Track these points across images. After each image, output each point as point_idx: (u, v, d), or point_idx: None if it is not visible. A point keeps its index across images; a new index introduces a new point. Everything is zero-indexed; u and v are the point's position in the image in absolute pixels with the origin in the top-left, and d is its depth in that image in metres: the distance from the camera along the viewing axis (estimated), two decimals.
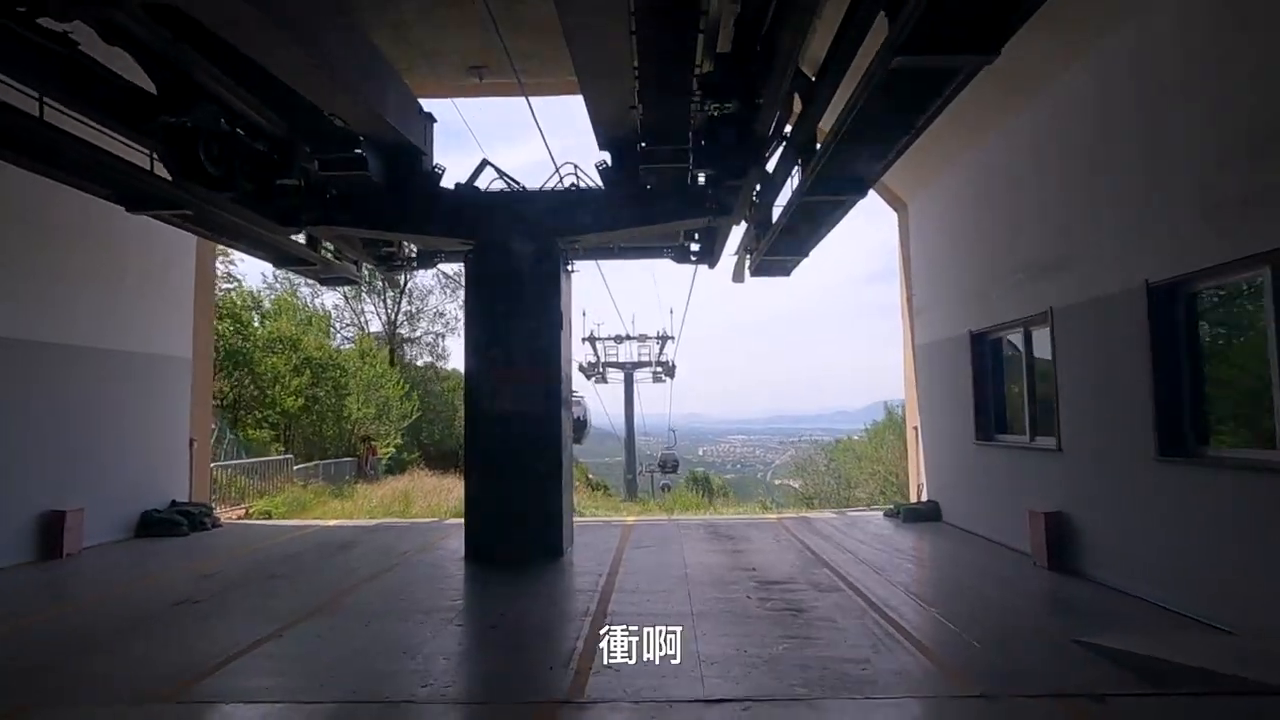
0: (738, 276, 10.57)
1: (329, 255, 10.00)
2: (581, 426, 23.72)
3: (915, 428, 10.96)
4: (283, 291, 24.70)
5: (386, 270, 11.18)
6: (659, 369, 33.25)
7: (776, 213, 7.99)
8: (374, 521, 11.27)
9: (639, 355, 33.48)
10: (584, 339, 32.85)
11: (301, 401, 17.75)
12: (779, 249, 8.68)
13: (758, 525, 10.24)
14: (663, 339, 32.77)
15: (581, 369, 32.62)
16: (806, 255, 9.11)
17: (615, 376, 34.11)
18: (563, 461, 8.14)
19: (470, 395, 8.30)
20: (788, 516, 11.24)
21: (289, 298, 23.96)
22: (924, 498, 10.59)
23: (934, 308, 10.23)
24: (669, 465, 32.99)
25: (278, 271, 24.86)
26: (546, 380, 8.10)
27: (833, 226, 7.98)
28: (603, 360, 33.36)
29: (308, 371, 17.89)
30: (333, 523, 11.10)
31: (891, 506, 10.74)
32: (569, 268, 9.10)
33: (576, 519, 11.20)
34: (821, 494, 32.11)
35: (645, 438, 45.06)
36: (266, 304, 22.04)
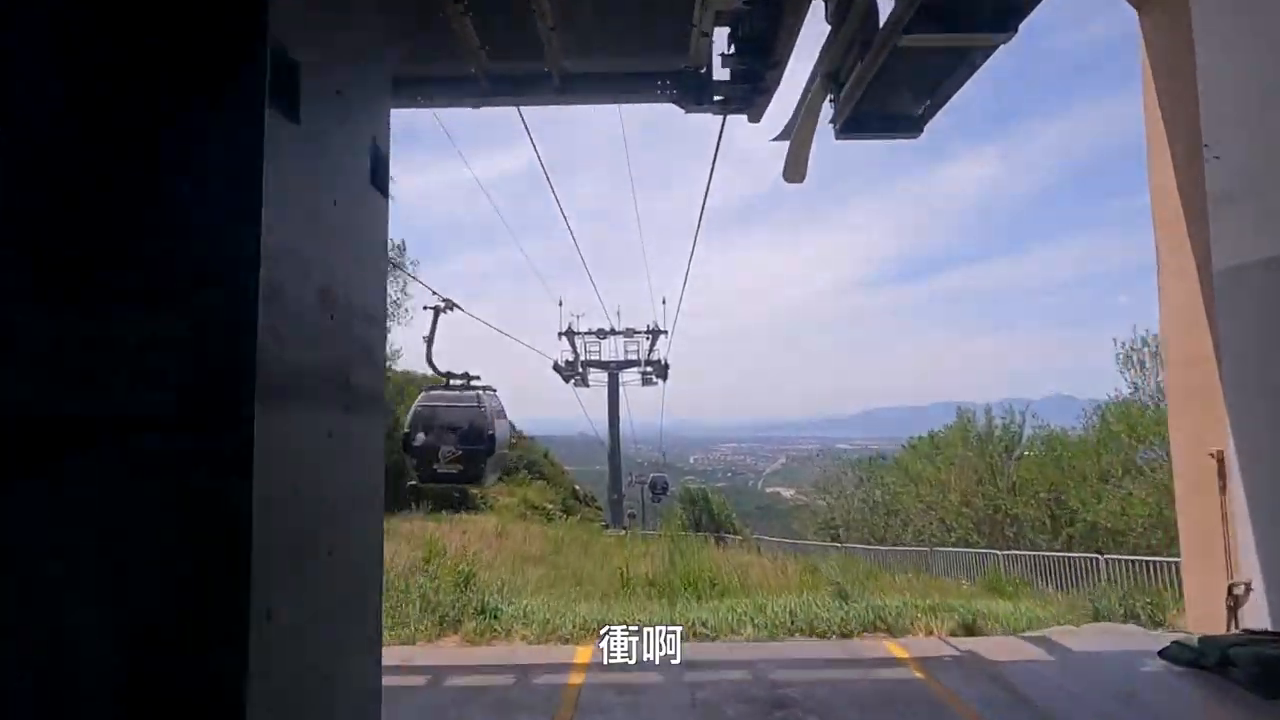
0: (795, 171, 5.07)
1: None
2: (481, 454, 9.00)
3: (1217, 453, 4.98)
4: None
5: None
6: (649, 369, 27.89)
7: None
8: None
9: (626, 353, 28.37)
10: (561, 333, 27.59)
11: None
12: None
13: (883, 695, 4.27)
14: (654, 334, 27.39)
15: (558, 369, 27.24)
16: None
17: (598, 379, 28.75)
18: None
19: None
20: (931, 655, 5.18)
21: None
22: (1251, 604, 4.66)
23: None
24: (660, 487, 27.59)
25: None
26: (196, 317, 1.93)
27: None
28: (583, 359, 28.02)
29: None
30: None
31: (1184, 641, 4.70)
32: None
33: (466, 660, 5.25)
34: (851, 523, 25.64)
35: (636, 445, 39.72)
36: None
